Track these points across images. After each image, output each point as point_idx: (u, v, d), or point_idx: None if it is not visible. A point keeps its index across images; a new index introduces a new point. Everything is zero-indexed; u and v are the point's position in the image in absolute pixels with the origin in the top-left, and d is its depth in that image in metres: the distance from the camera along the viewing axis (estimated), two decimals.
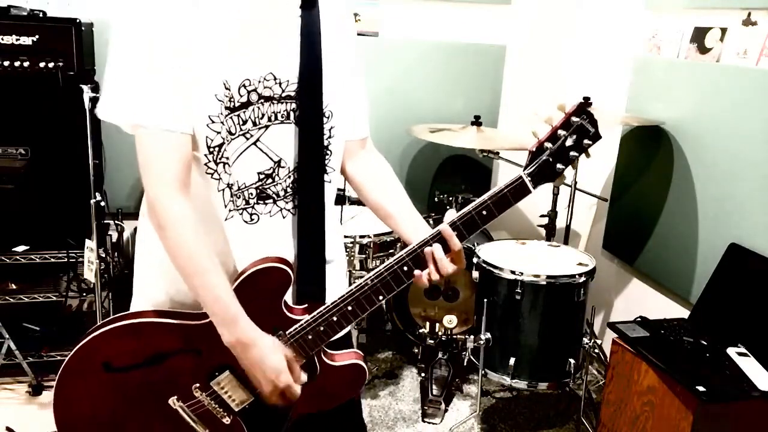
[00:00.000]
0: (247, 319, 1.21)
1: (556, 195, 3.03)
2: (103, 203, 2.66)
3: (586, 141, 1.22)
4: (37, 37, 2.56)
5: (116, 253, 3.02)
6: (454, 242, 1.26)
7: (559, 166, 1.24)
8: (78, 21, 2.63)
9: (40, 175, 2.68)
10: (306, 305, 1.29)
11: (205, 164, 1.21)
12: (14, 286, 2.82)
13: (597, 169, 3.30)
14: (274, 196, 1.28)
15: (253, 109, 1.22)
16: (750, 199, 2.35)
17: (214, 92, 1.16)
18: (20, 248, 2.71)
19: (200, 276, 1.18)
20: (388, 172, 1.47)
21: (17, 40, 2.54)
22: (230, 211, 1.25)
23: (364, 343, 3.26)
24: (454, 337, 2.75)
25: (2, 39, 2.53)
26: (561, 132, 1.22)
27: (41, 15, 2.64)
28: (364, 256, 2.71)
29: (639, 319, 2.39)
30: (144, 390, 1.28)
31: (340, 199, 2.98)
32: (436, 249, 1.26)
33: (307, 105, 1.27)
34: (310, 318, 1.27)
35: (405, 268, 1.27)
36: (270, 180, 1.27)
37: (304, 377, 1.28)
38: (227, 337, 1.20)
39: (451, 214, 1.28)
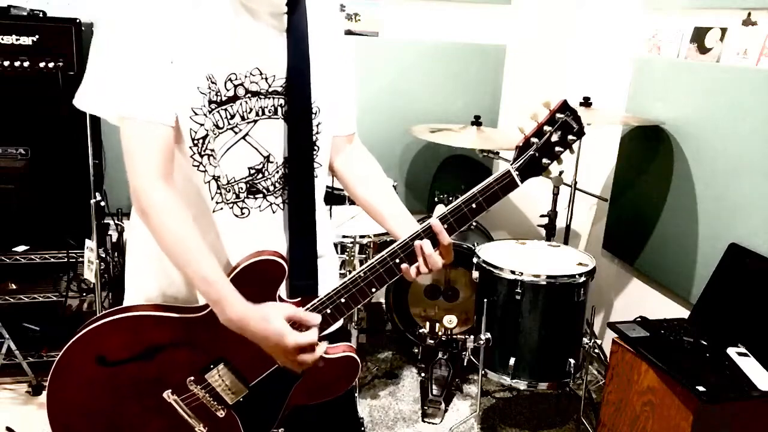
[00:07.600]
0: (234, 295, 1.19)
1: (556, 195, 3.03)
2: (103, 203, 2.66)
3: (570, 137, 1.26)
4: (37, 37, 2.56)
5: (116, 253, 3.02)
6: (443, 236, 1.27)
7: (545, 160, 1.27)
8: (78, 21, 2.63)
9: (40, 175, 2.68)
10: (299, 299, 1.30)
11: (191, 156, 1.22)
12: (14, 286, 2.82)
13: (597, 169, 3.30)
14: (264, 190, 1.29)
15: (241, 104, 1.23)
16: (750, 199, 2.35)
17: (196, 85, 1.18)
18: (20, 248, 2.71)
19: (186, 258, 1.19)
20: (376, 168, 1.48)
21: (17, 40, 2.54)
22: (218, 203, 1.26)
23: (364, 343, 3.26)
24: (454, 337, 2.75)
25: (2, 39, 2.53)
26: (546, 128, 1.26)
27: (41, 15, 2.64)
28: (364, 256, 2.70)
29: (639, 319, 2.39)
30: (138, 384, 1.28)
31: (341, 198, 2.99)
32: (425, 244, 1.27)
33: (295, 101, 1.28)
34: (303, 310, 1.27)
35: (397, 260, 1.28)
36: (260, 175, 1.28)
37: (313, 333, 1.24)
38: (222, 316, 1.20)
39: (440, 209, 1.29)
